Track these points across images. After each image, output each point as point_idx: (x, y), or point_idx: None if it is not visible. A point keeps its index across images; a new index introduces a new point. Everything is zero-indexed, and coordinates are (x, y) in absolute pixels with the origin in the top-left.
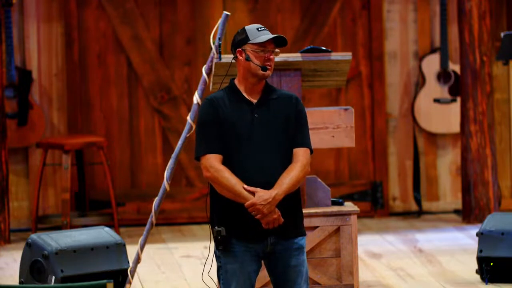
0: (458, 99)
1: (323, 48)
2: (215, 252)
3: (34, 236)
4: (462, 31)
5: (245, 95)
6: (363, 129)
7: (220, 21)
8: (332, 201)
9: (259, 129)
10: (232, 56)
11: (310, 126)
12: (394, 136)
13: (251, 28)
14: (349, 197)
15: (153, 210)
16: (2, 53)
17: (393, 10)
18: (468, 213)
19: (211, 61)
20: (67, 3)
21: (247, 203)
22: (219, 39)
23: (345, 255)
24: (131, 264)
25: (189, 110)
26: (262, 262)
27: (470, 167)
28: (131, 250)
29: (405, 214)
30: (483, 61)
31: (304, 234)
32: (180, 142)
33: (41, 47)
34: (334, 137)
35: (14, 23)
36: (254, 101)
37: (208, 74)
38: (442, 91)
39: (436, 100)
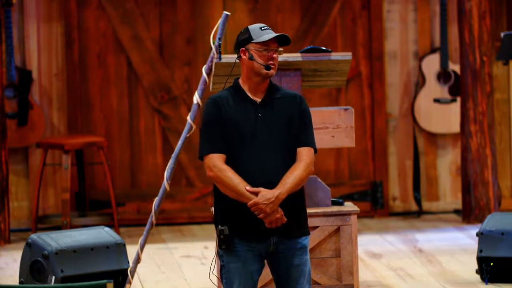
0: (458, 99)
1: (323, 48)
2: (218, 251)
3: (34, 236)
4: (462, 31)
5: (249, 94)
6: (363, 129)
7: (220, 21)
8: (332, 201)
9: (262, 128)
10: (236, 56)
11: None
12: (394, 136)
13: (254, 27)
14: (349, 197)
15: (153, 210)
16: (2, 53)
17: (393, 10)
18: (468, 213)
19: (211, 61)
20: (67, 3)
21: (250, 203)
22: (219, 39)
23: (345, 255)
24: (131, 264)
25: (189, 110)
26: (266, 262)
27: (470, 167)
28: (131, 250)
29: (405, 214)
30: (483, 61)
31: (307, 234)
32: (180, 142)
33: (41, 47)
34: (334, 137)
35: (14, 23)
36: (258, 100)
37: (208, 74)
38: (442, 91)
39: (436, 100)
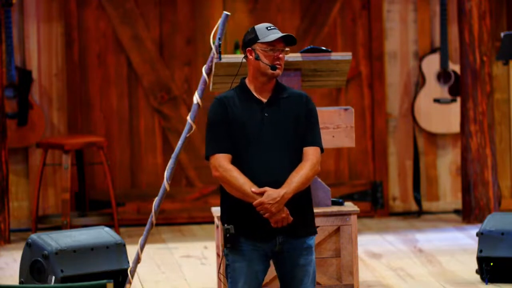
0: (458, 99)
1: (323, 48)
2: (223, 250)
3: (34, 236)
4: (462, 31)
5: (255, 94)
6: (363, 129)
7: (220, 21)
8: (332, 201)
9: (269, 128)
10: (243, 55)
11: None
12: (394, 136)
13: (260, 27)
14: (349, 197)
15: (153, 210)
16: (2, 53)
17: (393, 10)
18: (468, 213)
19: (211, 61)
20: (67, 3)
21: (255, 202)
22: (219, 39)
23: (345, 255)
24: (131, 264)
25: (189, 110)
26: (271, 261)
27: (470, 167)
28: (131, 250)
29: (405, 214)
30: (483, 61)
31: (314, 233)
32: (180, 142)
33: (41, 47)
34: (334, 137)
35: (14, 23)
36: (264, 100)
37: (208, 74)
38: (442, 91)
39: (436, 100)
